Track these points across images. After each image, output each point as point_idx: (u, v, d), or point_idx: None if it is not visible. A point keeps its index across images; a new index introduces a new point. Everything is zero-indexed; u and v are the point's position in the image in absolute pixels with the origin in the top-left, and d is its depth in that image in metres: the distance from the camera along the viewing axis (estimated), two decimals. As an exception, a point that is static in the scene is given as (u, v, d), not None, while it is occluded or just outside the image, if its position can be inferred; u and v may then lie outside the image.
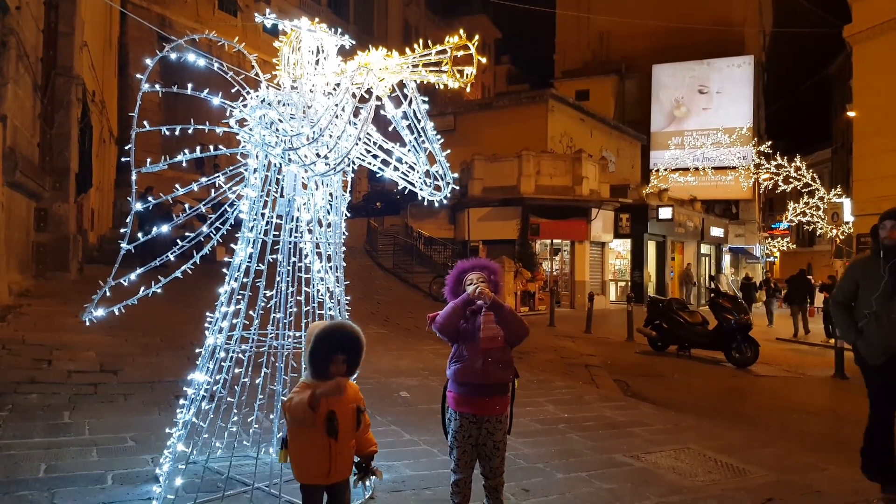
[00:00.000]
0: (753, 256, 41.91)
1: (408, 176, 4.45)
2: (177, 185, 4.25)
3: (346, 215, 4.87)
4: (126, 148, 4.12)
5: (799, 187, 28.58)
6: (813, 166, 32.86)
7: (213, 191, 4.37)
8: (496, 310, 3.53)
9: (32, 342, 8.41)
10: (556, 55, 46.27)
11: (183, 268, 4.42)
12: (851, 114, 22.54)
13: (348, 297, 4.88)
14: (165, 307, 10.77)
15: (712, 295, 13.01)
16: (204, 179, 4.30)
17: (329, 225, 4.66)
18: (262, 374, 4.68)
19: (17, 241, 11.27)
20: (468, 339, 3.56)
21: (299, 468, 3.30)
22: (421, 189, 4.39)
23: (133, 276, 4.23)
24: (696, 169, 29.82)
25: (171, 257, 4.34)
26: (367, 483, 3.29)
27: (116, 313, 4.33)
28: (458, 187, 4.38)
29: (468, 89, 3.90)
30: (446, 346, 3.79)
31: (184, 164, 4.12)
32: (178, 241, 4.47)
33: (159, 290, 4.28)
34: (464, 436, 3.58)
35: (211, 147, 4.50)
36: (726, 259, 37.82)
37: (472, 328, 3.55)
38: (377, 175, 4.58)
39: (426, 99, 3.96)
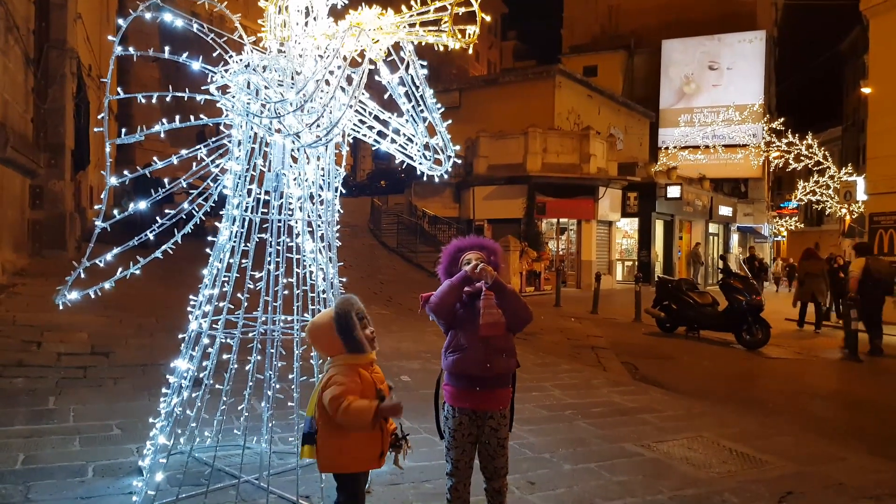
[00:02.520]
0: (762, 236, 41.41)
1: (406, 149, 4.13)
2: (154, 159, 3.94)
3: (340, 192, 4.56)
4: (99, 117, 3.82)
5: (810, 165, 28.08)
6: (823, 144, 32.21)
7: (194, 164, 4.06)
8: (498, 291, 3.18)
9: (23, 323, 8.17)
10: (563, 30, 45.44)
11: (164, 247, 4.13)
12: (866, 90, 21.94)
13: (344, 279, 4.59)
14: (162, 286, 10.53)
15: (722, 275, 12.67)
16: (185, 152, 3.99)
17: (322, 202, 4.35)
18: (252, 360, 4.41)
19: (10, 218, 11.01)
20: (466, 325, 3.23)
21: (351, 457, 3.04)
22: (420, 163, 4.07)
23: (109, 257, 3.94)
24: (707, 147, 29.26)
25: (151, 236, 4.04)
26: (403, 457, 3.09)
27: (92, 296, 4.05)
28: (459, 160, 4.06)
29: (470, 50, 3.56)
30: None
31: (162, 136, 3.81)
32: (168, 219, 4.18)
33: (138, 272, 4.00)
34: (463, 434, 3.27)
35: (204, 119, 4.18)
36: (734, 238, 37.39)
37: (471, 314, 3.21)
38: (374, 147, 4.26)
39: (424, 63, 3.62)
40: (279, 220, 4.13)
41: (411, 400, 6.51)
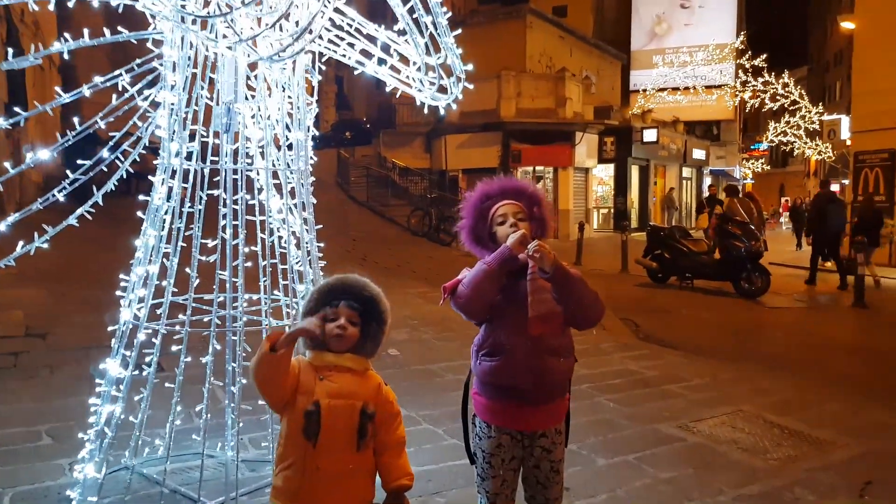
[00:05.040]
0: (734, 178, 41.10)
1: (399, 72, 3.14)
2: (57, 90, 2.88)
3: (312, 133, 3.55)
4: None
5: (786, 105, 27.53)
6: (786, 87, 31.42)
7: (113, 97, 3.00)
8: (561, 282, 2.21)
9: (-57, 302, 7.03)
10: (529, -31, 43.64)
11: (79, 211, 3.10)
12: (848, 24, 21.20)
13: (321, 244, 3.61)
14: (111, 251, 9.39)
15: (719, 220, 11.94)
16: (99, 80, 2.92)
17: (290, 146, 3.34)
18: (210, 353, 3.45)
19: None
20: (507, 316, 2.28)
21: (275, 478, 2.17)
22: (419, 90, 3.08)
23: (2, 227, 2.91)
24: (686, 88, 28.43)
25: (61, 197, 2.99)
26: None
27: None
28: (470, 86, 3.07)
29: None
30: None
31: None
32: (82, 173, 3.14)
33: (45, 245, 2.98)
34: (503, 460, 2.36)
35: (124, 33, 3.10)
36: (707, 182, 36.96)
37: (513, 299, 2.26)
38: (355, 71, 3.24)
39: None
40: (234, 171, 3.13)
41: (404, 379, 5.64)
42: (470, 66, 2.98)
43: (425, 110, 3.17)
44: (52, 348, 6.31)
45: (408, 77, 3.09)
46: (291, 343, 2.06)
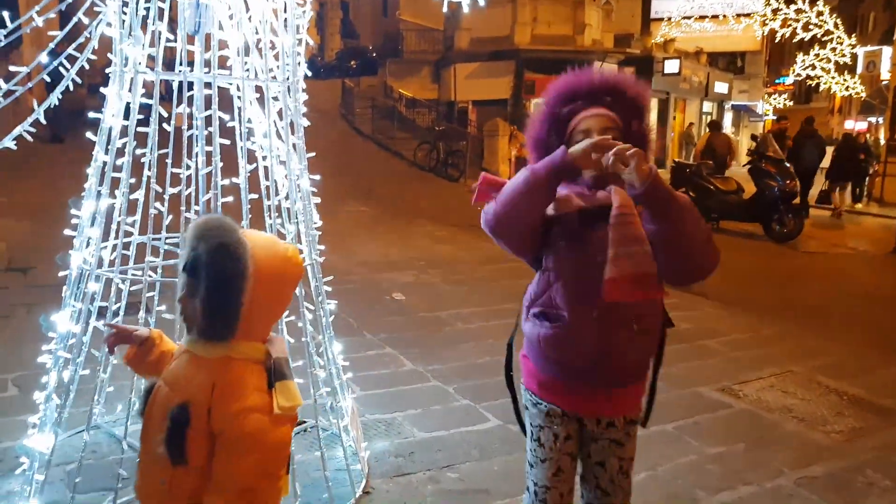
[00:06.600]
0: (756, 114, 39.69)
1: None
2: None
3: (306, 42, 2.90)
4: None
5: (819, 35, 26.10)
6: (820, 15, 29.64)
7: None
8: (660, 208, 1.57)
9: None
10: None
11: (17, 130, 2.50)
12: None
13: (317, 176, 3.00)
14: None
15: (754, 157, 11.16)
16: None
17: (276, 55, 2.70)
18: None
19: None
20: (569, 270, 1.68)
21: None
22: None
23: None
24: (715, 16, 26.91)
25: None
26: None
27: None
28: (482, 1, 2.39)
29: None
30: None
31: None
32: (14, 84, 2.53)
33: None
34: (555, 436, 1.79)
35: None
36: (728, 117, 35.68)
37: (582, 249, 1.65)
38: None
39: None
40: (207, 83, 2.50)
41: (409, 327, 5.13)
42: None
43: (444, 8, 2.52)
44: (33, 284, 5.86)
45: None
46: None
